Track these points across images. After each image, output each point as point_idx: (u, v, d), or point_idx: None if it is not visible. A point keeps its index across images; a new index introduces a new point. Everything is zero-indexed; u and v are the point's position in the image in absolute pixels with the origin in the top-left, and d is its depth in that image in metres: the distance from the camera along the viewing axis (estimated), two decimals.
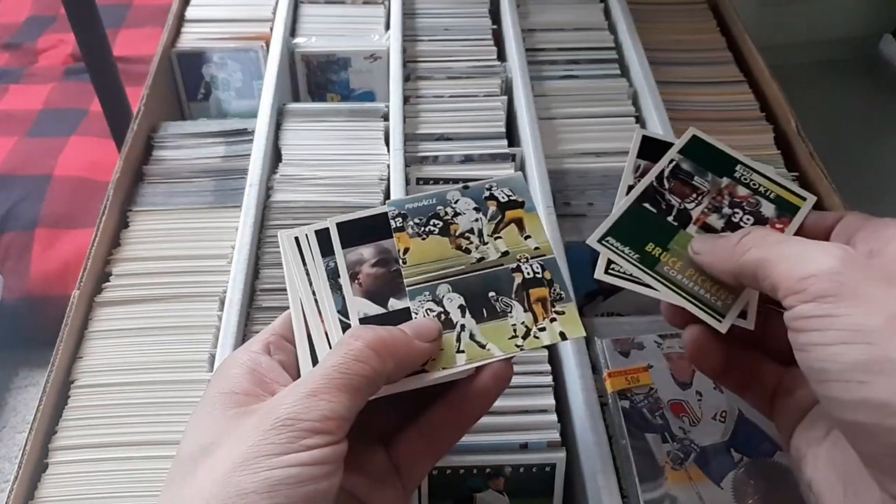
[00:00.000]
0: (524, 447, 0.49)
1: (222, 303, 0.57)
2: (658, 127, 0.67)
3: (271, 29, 0.79)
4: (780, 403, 0.37)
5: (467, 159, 0.64)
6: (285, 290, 0.57)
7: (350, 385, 0.32)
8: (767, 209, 0.41)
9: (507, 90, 0.74)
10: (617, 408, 0.49)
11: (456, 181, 0.62)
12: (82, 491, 0.49)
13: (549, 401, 0.51)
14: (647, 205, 0.41)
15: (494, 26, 0.81)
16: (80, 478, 0.50)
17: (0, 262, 1.20)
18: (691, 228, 0.40)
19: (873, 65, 1.75)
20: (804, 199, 0.41)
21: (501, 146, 0.68)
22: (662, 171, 0.42)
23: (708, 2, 0.86)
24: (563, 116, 0.71)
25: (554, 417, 0.50)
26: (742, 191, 0.42)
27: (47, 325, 0.81)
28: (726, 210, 0.41)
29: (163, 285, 0.59)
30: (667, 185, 0.42)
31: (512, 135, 0.72)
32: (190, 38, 0.81)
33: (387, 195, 0.64)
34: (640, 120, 0.71)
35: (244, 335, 0.55)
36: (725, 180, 0.42)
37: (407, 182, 0.63)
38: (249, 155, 0.66)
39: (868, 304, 0.28)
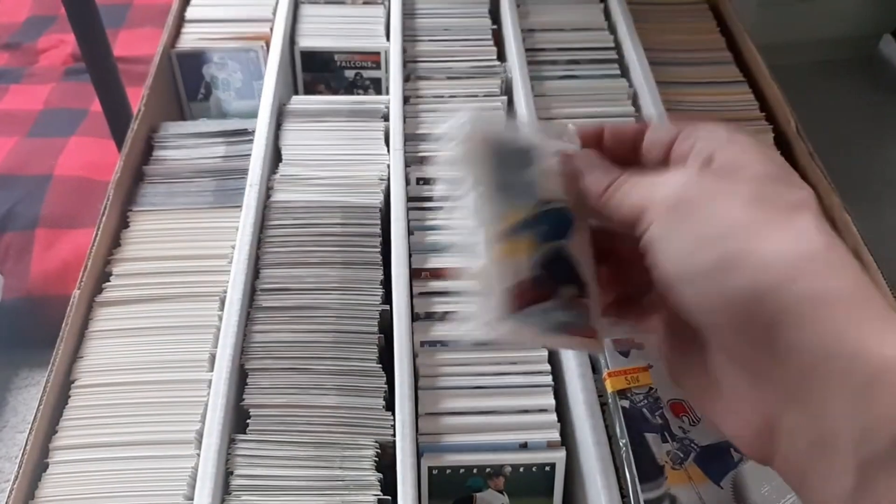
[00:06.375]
0: (524, 447, 0.49)
1: (222, 303, 0.57)
2: None
3: (271, 29, 0.79)
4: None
5: None
6: (285, 289, 0.58)
7: None
8: None
9: (507, 90, 0.74)
10: (617, 407, 0.49)
11: None
12: (82, 490, 0.49)
13: (549, 400, 0.51)
14: None
15: (494, 26, 0.81)
16: (80, 477, 0.50)
17: (0, 262, 1.20)
18: None
19: (873, 65, 1.75)
20: None
21: None
22: None
23: (708, 2, 0.86)
24: (563, 116, 0.71)
25: (554, 417, 0.50)
26: None
27: (48, 325, 0.81)
28: None
29: (163, 285, 0.59)
30: None
31: None
32: (190, 39, 0.81)
33: (387, 195, 0.64)
34: (639, 120, 0.71)
35: (244, 335, 0.56)
36: None
37: (407, 182, 0.63)
38: (250, 155, 0.66)
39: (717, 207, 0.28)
